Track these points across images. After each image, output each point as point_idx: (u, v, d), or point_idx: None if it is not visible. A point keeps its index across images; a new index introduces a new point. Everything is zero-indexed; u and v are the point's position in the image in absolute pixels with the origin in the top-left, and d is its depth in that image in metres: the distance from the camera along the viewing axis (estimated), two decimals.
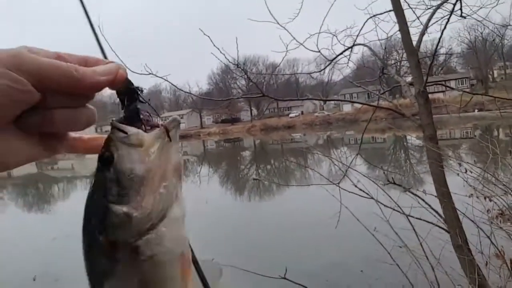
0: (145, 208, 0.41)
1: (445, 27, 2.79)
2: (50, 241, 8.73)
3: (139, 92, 0.44)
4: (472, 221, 2.70)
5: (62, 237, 8.97)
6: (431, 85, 3.61)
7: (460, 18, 3.15)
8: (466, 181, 3.00)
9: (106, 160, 0.42)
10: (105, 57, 0.44)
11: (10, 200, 16.16)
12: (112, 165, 0.42)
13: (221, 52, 2.44)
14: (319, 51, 3.61)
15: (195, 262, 0.44)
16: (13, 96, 0.35)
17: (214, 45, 2.41)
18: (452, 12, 2.70)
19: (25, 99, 0.36)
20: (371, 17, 3.48)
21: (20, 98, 0.35)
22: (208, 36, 2.42)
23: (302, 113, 62.11)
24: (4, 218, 12.54)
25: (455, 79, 52.39)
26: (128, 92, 0.44)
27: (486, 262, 2.74)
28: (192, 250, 0.45)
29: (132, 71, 2.55)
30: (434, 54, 3.39)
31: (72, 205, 15.45)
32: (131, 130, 0.43)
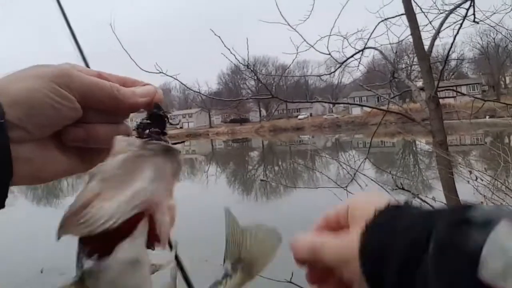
0: None
1: (457, 32, 2.77)
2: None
3: (167, 118, 0.44)
4: None
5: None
6: (442, 90, 3.58)
7: (473, 23, 3.12)
8: (476, 189, 2.96)
9: None
10: (87, 65, 0.47)
11: (20, 193, 16.36)
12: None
13: (231, 52, 2.46)
14: (329, 54, 3.60)
15: (182, 269, 0.44)
16: (61, 112, 0.36)
17: (225, 46, 2.42)
18: (465, 17, 2.67)
19: (71, 115, 0.38)
20: (382, 21, 3.46)
21: (67, 114, 0.37)
22: (219, 37, 2.43)
23: (311, 115, 61.98)
24: (14, 210, 12.68)
25: (467, 85, 51.84)
26: (156, 116, 0.44)
27: None
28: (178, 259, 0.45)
29: (142, 69, 2.57)
30: (446, 59, 3.36)
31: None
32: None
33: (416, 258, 0.32)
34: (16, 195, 16.61)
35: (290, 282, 2.59)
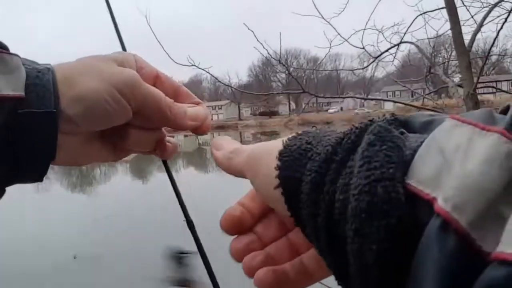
0: None
1: (501, 27, 2.63)
2: (91, 222, 9.14)
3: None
4: None
5: (102, 218, 9.37)
6: (482, 87, 3.44)
7: None
8: None
9: None
10: (124, 49, 0.47)
11: (56, 180, 17.03)
12: None
13: (263, 47, 2.44)
14: (363, 48, 3.51)
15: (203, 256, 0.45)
16: (115, 117, 0.38)
17: (258, 40, 2.40)
18: (510, 11, 2.54)
19: (122, 121, 0.39)
20: (421, 14, 3.34)
21: (119, 119, 0.39)
22: (252, 31, 2.42)
23: (341, 109, 61.23)
24: (49, 196, 13.23)
25: (508, 81, 49.66)
26: None
27: None
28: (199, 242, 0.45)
29: (176, 62, 2.59)
30: (487, 55, 3.21)
31: (111, 188, 16.10)
32: None
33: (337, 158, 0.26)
34: (52, 181, 17.33)
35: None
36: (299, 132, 0.34)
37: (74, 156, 0.40)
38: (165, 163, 0.47)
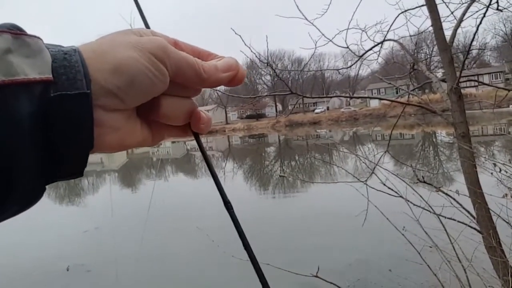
0: None
1: (480, 22, 2.70)
2: (82, 233, 9.03)
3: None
4: (507, 222, 2.62)
5: (92, 229, 9.26)
6: (464, 81, 3.51)
7: (496, 11, 3.04)
8: (500, 181, 2.90)
9: None
10: (148, 27, 0.44)
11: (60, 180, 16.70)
12: None
13: (251, 50, 2.46)
14: (347, 47, 3.57)
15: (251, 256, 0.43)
16: (155, 85, 0.37)
17: (246, 44, 2.42)
18: (488, 5, 2.60)
19: (161, 89, 0.38)
20: (402, 12, 3.41)
21: (159, 88, 0.37)
22: (240, 36, 2.43)
23: (328, 108, 61.55)
24: (37, 209, 13.00)
25: (489, 74, 50.57)
26: None
27: None
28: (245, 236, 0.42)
29: None
30: (468, 49, 3.28)
31: (100, 199, 15.90)
32: None
33: None
34: None
35: (316, 276, 2.60)
36: None
37: (122, 136, 0.38)
38: (197, 138, 0.44)
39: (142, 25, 0.45)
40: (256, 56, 2.57)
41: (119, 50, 0.35)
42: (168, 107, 0.40)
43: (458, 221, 2.85)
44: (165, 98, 0.39)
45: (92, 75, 0.33)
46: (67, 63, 0.33)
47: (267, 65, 2.83)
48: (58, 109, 0.31)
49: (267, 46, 2.52)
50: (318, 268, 2.55)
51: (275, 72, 2.86)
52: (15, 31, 0.31)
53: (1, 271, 6.96)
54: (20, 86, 0.29)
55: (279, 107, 66.41)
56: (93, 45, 0.36)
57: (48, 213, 11.86)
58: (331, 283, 2.64)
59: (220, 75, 0.41)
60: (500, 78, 50.70)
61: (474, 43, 3.50)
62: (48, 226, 10.18)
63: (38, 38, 0.33)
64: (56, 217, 11.77)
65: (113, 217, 10.24)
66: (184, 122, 0.42)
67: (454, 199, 2.96)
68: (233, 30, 2.44)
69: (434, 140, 23.20)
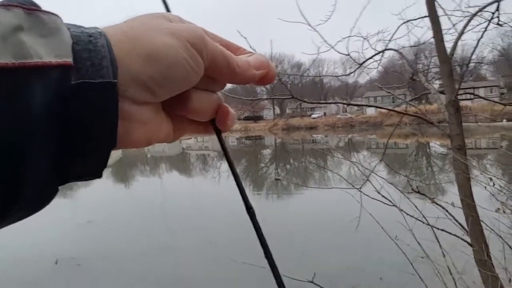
0: None
1: (481, 36, 2.72)
2: (73, 227, 8.98)
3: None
4: (500, 236, 2.64)
5: (84, 223, 9.22)
6: (461, 94, 3.54)
7: (496, 26, 3.07)
8: (493, 195, 2.92)
9: None
10: (168, 10, 0.40)
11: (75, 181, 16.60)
12: None
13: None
14: (348, 54, 3.58)
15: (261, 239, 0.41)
16: (190, 76, 0.33)
17: (251, 47, 2.42)
18: (490, 20, 2.63)
19: (194, 81, 0.34)
20: (404, 22, 3.43)
21: (192, 80, 0.34)
22: (245, 38, 2.45)
23: (325, 114, 61.70)
24: None
25: (485, 87, 50.94)
26: None
27: (510, 279, 2.67)
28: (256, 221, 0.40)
29: None
30: (468, 63, 3.31)
31: (92, 193, 15.82)
32: None
33: None
34: None
35: (312, 282, 2.60)
36: None
37: (150, 131, 0.34)
38: (219, 135, 0.41)
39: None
40: None
41: (155, 35, 0.31)
42: (198, 102, 0.37)
43: (451, 233, 2.87)
44: (195, 91, 0.36)
45: (122, 61, 0.29)
46: (92, 46, 0.28)
47: None
48: (79, 99, 0.27)
49: (271, 50, 2.54)
50: (314, 274, 2.56)
51: (279, 77, 2.86)
52: (28, 6, 0.26)
53: None
54: (33, 70, 0.25)
55: (277, 110, 66.49)
56: (124, 26, 0.32)
57: None
58: None
59: (253, 72, 0.38)
60: (495, 92, 51.11)
61: (472, 56, 3.53)
62: (39, 219, 10.10)
63: (56, 15, 0.28)
64: (48, 210, 11.68)
65: (107, 211, 10.19)
66: (210, 117, 0.39)
67: (447, 210, 2.98)
68: (238, 32, 2.45)
69: (428, 150, 23.31)
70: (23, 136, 0.24)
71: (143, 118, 0.32)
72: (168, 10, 0.40)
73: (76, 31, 0.29)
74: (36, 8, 0.27)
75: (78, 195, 14.99)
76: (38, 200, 0.28)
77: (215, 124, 0.40)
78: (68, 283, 6.03)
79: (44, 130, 0.25)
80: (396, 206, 2.93)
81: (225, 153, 0.41)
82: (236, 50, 0.40)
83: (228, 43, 0.39)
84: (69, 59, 0.27)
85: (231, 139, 47.74)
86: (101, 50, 0.28)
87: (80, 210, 11.72)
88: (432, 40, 3.01)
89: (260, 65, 0.39)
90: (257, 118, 65.68)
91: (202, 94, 0.37)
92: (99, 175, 0.31)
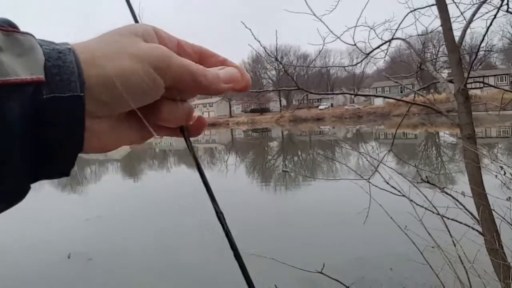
0: None
1: (491, 24, 2.68)
2: (83, 222, 9.08)
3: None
4: (511, 225, 2.62)
5: (94, 218, 9.31)
6: (471, 82, 3.49)
7: (506, 13, 3.01)
8: (504, 184, 2.90)
9: None
10: (136, 21, 0.42)
11: (45, 180, 16.84)
12: None
13: (261, 45, 2.46)
14: (355, 44, 3.55)
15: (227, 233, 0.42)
16: (149, 95, 0.35)
17: (255, 39, 2.42)
18: (499, 8, 2.58)
19: (152, 100, 0.37)
20: (411, 11, 3.39)
21: (153, 97, 0.36)
22: (250, 29, 2.43)
23: (331, 105, 61.41)
24: (40, 197, 13.10)
25: (495, 76, 50.30)
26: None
27: None
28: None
29: None
30: (477, 51, 3.27)
31: (103, 188, 15.98)
32: None
33: None
34: (42, 182, 17.10)
35: (321, 272, 2.61)
36: None
37: (105, 142, 0.37)
38: (187, 142, 0.43)
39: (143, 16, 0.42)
40: (264, 50, 2.56)
41: (117, 57, 0.34)
42: (169, 112, 0.39)
43: (461, 223, 2.85)
44: (166, 102, 0.38)
45: (86, 79, 0.32)
46: (61, 62, 0.31)
47: (275, 59, 2.82)
48: (50, 111, 0.30)
49: (276, 41, 2.52)
50: (324, 265, 2.56)
51: (283, 67, 2.85)
52: (6, 28, 0.30)
53: (1, 258, 7.01)
54: (12, 86, 0.28)
55: (283, 102, 66.32)
56: (92, 45, 0.34)
57: (50, 201, 11.93)
58: (335, 280, 2.66)
59: (221, 86, 0.40)
60: (505, 80, 50.41)
61: (481, 44, 3.48)
62: (50, 214, 10.23)
63: (31, 35, 0.31)
64: (58, 205, 11.84)
65: (117, 207, 10.29)
66: (182, 123, 0.42)
67: (457, 200, 2.96)
68: (243, 23, 2.44)
69: (437, 140, 23.13)
70: (3, 142, 0.28)
71: (98, 131, 0.35)
72: (136, 21, 0.42)
73: (48, 47, 0.32)
74: (14, 30, 0.30)
75: (87, 190, 15.15)
76: (15, 196, 0.32)
77: (183, 131, 0.42)
78: (82, 277, 6.11)
79: (20, 136, 0.29)
80: (406, 196, 2.92)
81: (194, 158, 0.42)
82: (211, 57, 0.42)
83: (203, 51, 0.42)
84: (41, 76, 0.30)
85: (238, 132, 47.79)
86: (70, 66, 0.31)
87: (89, 205, 11.85)
88: (440, 28, 2.97)
89: (230, 79, 0.40)
90: (263, 110, 65.58)
91: (172, 104, 0.39)
92: (67, 174, 0.35)
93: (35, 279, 6.15)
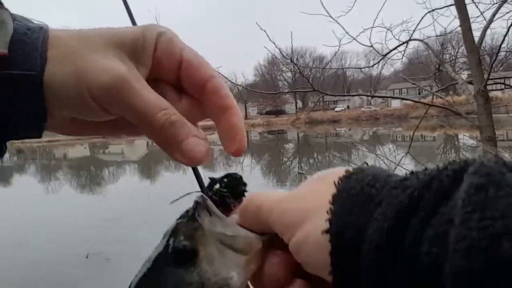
0: None
1: (511, 24, 2.63)
2: (101, 222, 9.20)
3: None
4: None
5: (112, 218, 9.44)
6: (491, 84, 3.43)
7: None
8: None
9: (185, 254, 0.36)
10: (134, 23, 0.41)
11: (65, 180, 17.17)
12: (195, 265, 0.36)
13: (276, 47, 2.47)
14: (371, 46, 3.53)
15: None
16: (84, 115, 0.35)
17: (270, 40, 2.43)
18: None
19: (97, 120, 0.36)
20: (429, 12, 3.34)
21: (92, 118, 0.35)
22: (265, 31, 2.44)
23: (348, 107, 60.95)
24: (60, 197, 13.35)
25: None
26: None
27: None
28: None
29: None
30: (498, 52, 3.20)
31: (120, 189, 16.18)
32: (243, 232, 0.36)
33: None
34: (62, 182, 17.48)
35: None
36: (349, 170, 0.31)
37: (68, 131, 0.38)
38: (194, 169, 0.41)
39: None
40: (280, 52, 2.57)
41: (62, 64, 0.32)
42: (129, 130, 0.39)
43: None
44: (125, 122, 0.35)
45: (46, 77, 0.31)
46: (26, 38, 0.31)
47: (291, 61, 2.83)
48: (12, 84, 0.30)
49: (292, 43, 2.53)
50: None
51: (298, 69, 2.85)
52: None
53: (19, 257, 7.16)
54: None
55: (299, 104, 66.11)
56: (68, 40, 0.33)
57: (68, 201, 12.15)
58: None
59: (174, 154, 0.36)
60: None
61: (502, 45, 3.41)
62: (68, 214, 10.41)
63: (5, 9, 0.31)
64: (77, 206, 12.04)
65: (134, 207, 10.43)
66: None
67: None
68: (258, 25, 2.45)
69: (456, 143, 22.68)
70: None
71: (58, 119, 0.35)
72: (134, 23, 0.41)
73: (19, 23, 0.32)
74: None
75: (105, 191, 15.37)
76: None
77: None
78: (99, 277, 6.20)
79: None
80: None
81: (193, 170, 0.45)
82: (213, 94, 0.37)
83: (206, 85, 0.37)
84: (5, 50, 0.30)
85: (253, 134, 47.81)
86: (35, 42, 0.31)
87: (107, 205, 12.01)
88: (459, 29, 2.92)
89: (187, 155, 0.36)
90: (279, 112, 65.51)
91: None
92: (39, 136, 0.34)
93: (54, 278, 6.27)
